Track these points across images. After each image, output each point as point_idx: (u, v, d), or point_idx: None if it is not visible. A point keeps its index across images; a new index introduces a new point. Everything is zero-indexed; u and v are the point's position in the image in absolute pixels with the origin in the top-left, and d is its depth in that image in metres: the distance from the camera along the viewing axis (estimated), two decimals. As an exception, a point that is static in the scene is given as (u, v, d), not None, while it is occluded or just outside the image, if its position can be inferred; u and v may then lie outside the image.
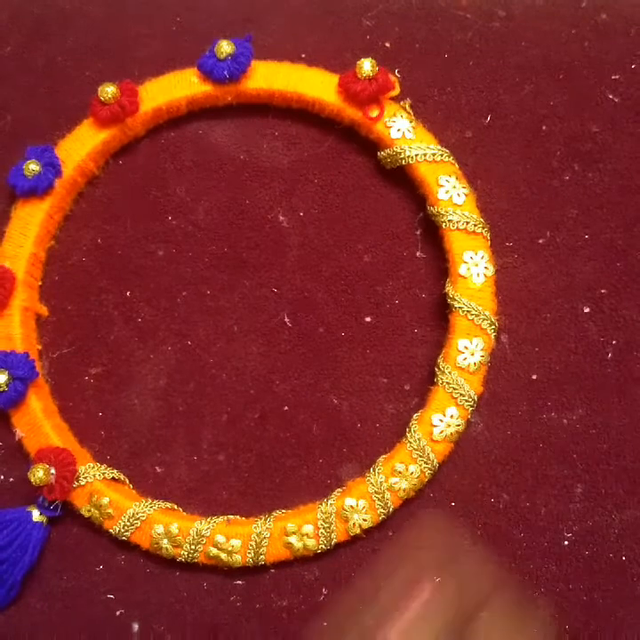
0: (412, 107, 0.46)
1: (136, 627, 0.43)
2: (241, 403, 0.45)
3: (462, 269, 0.43)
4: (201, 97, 0.46)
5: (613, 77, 0.47)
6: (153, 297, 0.46)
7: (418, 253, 0.46)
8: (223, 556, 0.42)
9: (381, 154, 0.45)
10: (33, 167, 0.44)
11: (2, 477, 0.44)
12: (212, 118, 0.47)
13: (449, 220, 0.44)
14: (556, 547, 0.43)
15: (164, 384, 0.45)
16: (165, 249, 0.46)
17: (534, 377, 0.45)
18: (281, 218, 0.47)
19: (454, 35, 0.47)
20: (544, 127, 0.47)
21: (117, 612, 0.43)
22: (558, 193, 0.46)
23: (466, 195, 0.44)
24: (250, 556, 0.42)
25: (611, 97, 0.47)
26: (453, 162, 0.45)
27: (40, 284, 0.46)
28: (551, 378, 0.45)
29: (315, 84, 0.45)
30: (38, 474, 0.41)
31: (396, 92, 0.45)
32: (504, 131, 0.47)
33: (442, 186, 0.44)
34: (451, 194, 0.44)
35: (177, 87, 0.46)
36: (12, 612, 0.43)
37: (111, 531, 0.42)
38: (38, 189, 0.44)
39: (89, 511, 0.42)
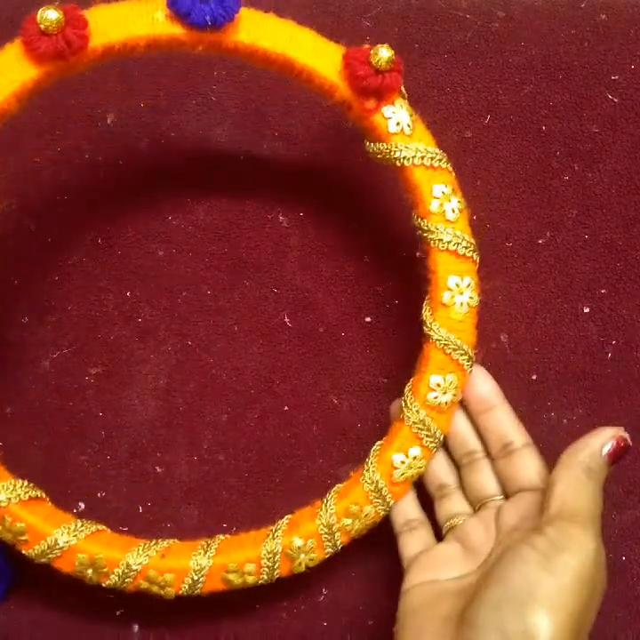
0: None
1: (136, 627, 0.43)
2: (241, 403, 0.45)
3: (445, 297, 0.39)
4: (165, 40, 0.36)
5: (613, 78, 0.47)
6: (153, 297, 0.46)
7: (418, 253, 0.46)
8: (155, 588, 0.39)
9: (372, 146, 0.40)
10: None
11: None
12: (213, 118, 0.48)
13: (439, 239, 0.38)
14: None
15: (164, 384, 0.45)
16: (165, 249, 0.46)
17: (534, 377, 0.45)
18: (281, 218, 0.47)
19: (454, 35, 0.47)
20: (544, 127, 0.47)
21: (117, 612, 0.43)
22: (558, 193, 0.46)
23: (460, 211, 0.39)
24: (184, 589, 0.39)
25: (610, 97, 0.47)
26: (451, 169, 0.40)
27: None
28: (551, 378, 0.45)
29: (307, 49, 0.37)
30: None
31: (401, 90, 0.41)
32: (504, 131, 0.47)
33: (436, 197, 0.39)
34: (444, 207, 0.39)
35: (137, 23, 0.35)
36: (12, 611, 0.43)
37: (26, 553, 0.38)
38: None
39: (2, 534, 0.38)
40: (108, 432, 0.45)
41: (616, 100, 0.47)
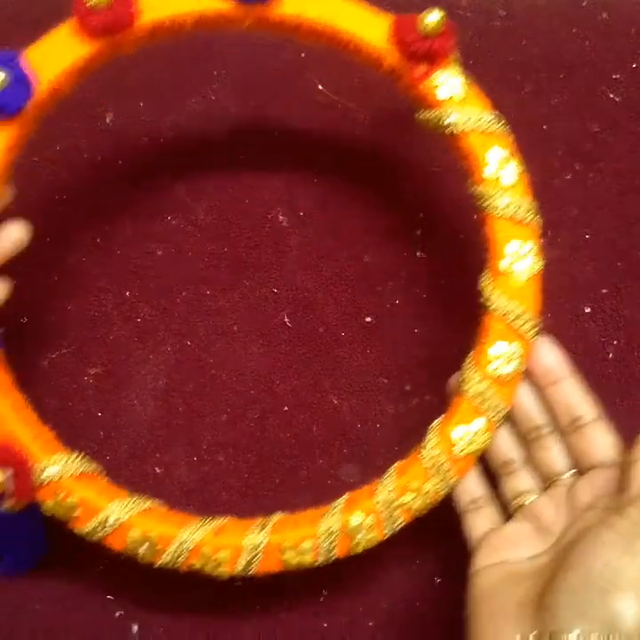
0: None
1: (135, 628, 0.43)
2: (241, 403, 0.45)
3: (503, 264, 0.37)
4: (213, 15, 0.37)
5: (614, 77, 0.47)
6: (152, 297, 0.46)
7: (418, 253, 0.46)
8: (208, 567, 0.37)
9: (423, 115, 0.39)
10: None
11: None
12: (213, 118, 0.48)
13: (495, 205, 0.37)
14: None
15: (163, 384, 0.45)
16: (165, 249, 0.46)
17: (535, 377, 0.45)
18: (281, 218, 0.47)
19: (454, 34, 0.47)
20: (545, 126, 0.47)
21: (117, 614, 0.43)
22: (559, 193, 0.46)
23: (518, 175, 0.38)
24: (238, 569, 0.37)
25: (611, 96, 0.47)
26: (507, 133, 0.39)
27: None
28: (552, 378, 0.45)
29: (354, 19, 0.37)
30: None
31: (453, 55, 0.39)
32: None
33: (490, 163, 0.37)
34: (500, 172, 0.38)
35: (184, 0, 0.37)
36: (12, 612, 0.43)
37: (78, 531, 0.37)
38: (3, 111, 0.35)
39: (52, 509, 0.37)
40: (106, 432, 0.45)
41: (617, 100, 0.47)
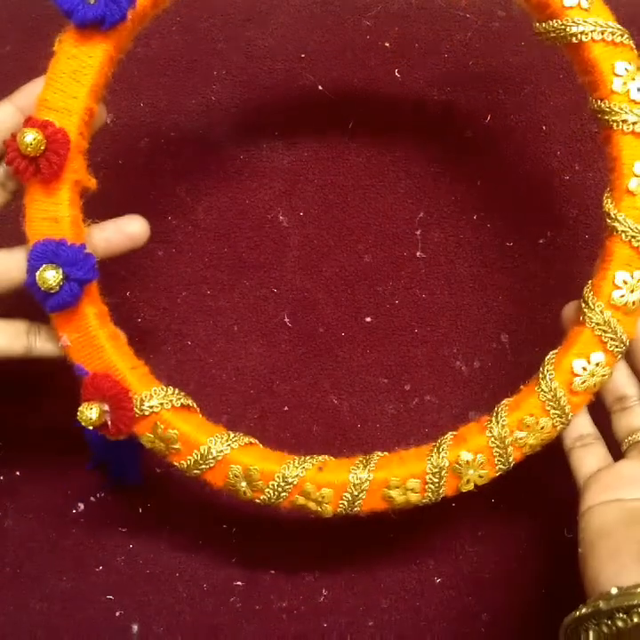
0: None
1: (135, 628, 0.43)
2: (241, 403, 0.45)
3: (632, 184, 0.35)
4: None
5: (613, 77, 0.47)
6: (152, 297, 0.46)
7: (418, 253, 0.46)
8: (311, 505, 0.36)
9: (545, 25, 0.36)
10: None
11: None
12: (213, 118, 0.48)
13: (623, 121, 0.35)
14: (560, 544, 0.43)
15: (164, 384, 0.45)
16: (165, 249, 0.46)
17: (535, 377, 0.45)
18: (281, 218, 0.47)
19: (454, 35, 0.47)
20: (544, 127, 0.47)
21: (117, 613, 0.43)
22: (558, 193, 0.46)
23: None
24: (342, 506, 0.36)
25: (611, 97, 0.47)
26: (633, 47, 0.36)
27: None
28: (551, 378, 0.45)
29: None
30: (90, 416, 0.34)
31: None
32: (504, 131, 0.47)
33: (619, 75, 0.35)
34: (629, 87, 0.35)
35: None
36: (12, 611, 0.43)
37: (178, 465, 0.36)
38: (106, 21, 0.33)
39: (152, 442, 0.36)
40: (107, 432, 0.45)
41: (616, 100, 0.47)
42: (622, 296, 0.35)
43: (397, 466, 0.36)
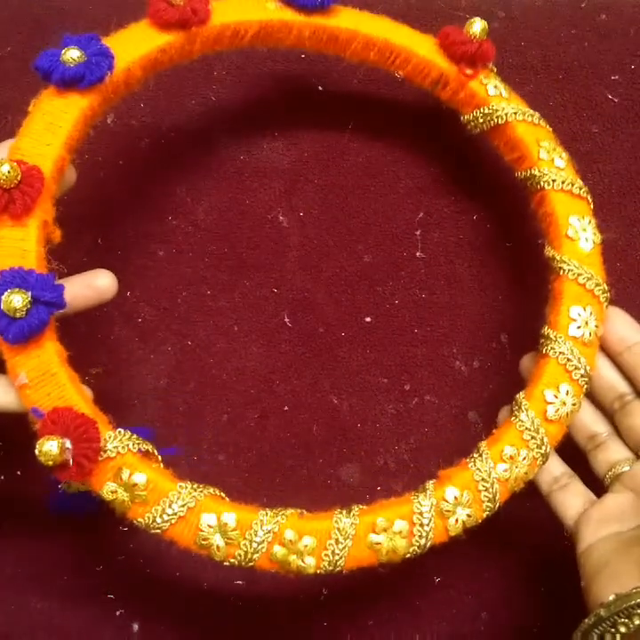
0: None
1: (136, 627, 0.43)
2: (241, 403, 0.45)
3: (570, 232, 0.39)
4: (275, 25, 0.40)
5: (613, 78, 0.47)
6: (153, 297, 0.46)
7: (418, 253, 0.46)
8: (292, 558, 0.33)
9: (473, 114, 0.42)
10: (73, 54, 0.35)
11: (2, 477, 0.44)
12: (213, 118, 0.48)
13: (553, 180, 0.40)
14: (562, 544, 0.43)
15: (164, 384, 0.45)
16: (165, 249, 0.46)
17: (534, 377, 0.45)
18: (281, 218, 0.47)
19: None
20: (544, 127, 0.47)
21: (117, 612, 0.43)
22: (558, 193, 0.46)
23: (566, 160, 0.41)
24: (326, 559, 0.33)
25: (610, 97, 0.47)
26: (550, 129, 0.42)
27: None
28: (551, 378, 0.45)
29: (404, 34, 0.42)
30: (50, 449, 0.30)
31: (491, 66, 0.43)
32: (504, 131, 0.47)
33: (542, 147, 0.41)
34: (551, 156, 0.40)
35: (251, 9, 0.40)
36: (12, 611, 0.43)
37: (139, 521, 0.33)
38: (85, 79, 0.35)
39: (112, 493, 0.32)
40: (107, 432, 0.45)
41: (616, 100, 0.47)
42: (579, 328, 0.38)
43: (380, 510, 0.35)
